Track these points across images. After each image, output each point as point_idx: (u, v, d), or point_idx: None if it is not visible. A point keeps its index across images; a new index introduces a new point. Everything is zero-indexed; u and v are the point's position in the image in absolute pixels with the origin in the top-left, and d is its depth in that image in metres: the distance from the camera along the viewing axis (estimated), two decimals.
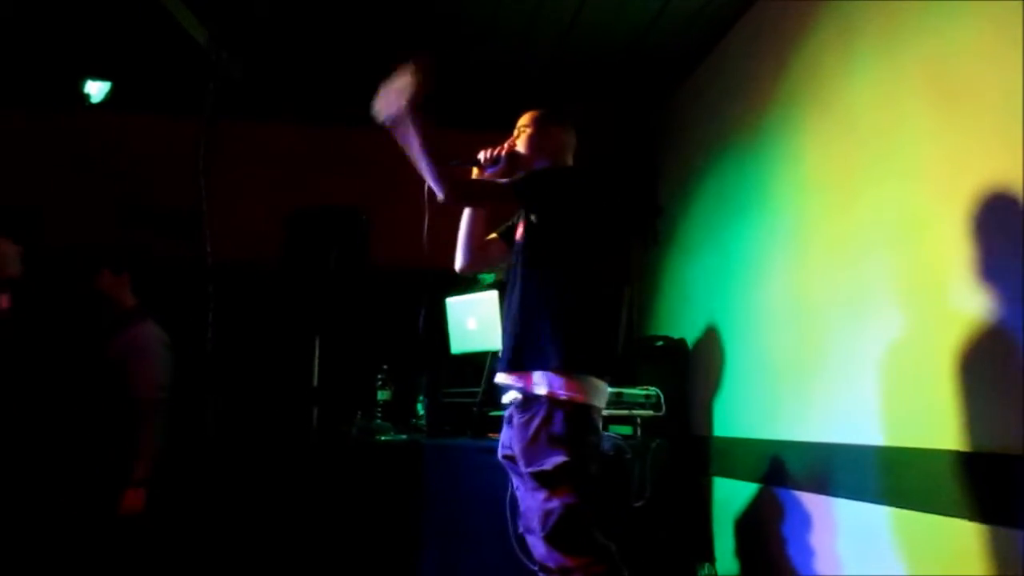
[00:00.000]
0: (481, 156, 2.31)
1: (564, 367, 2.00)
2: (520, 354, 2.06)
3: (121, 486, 2.83)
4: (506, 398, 2.17)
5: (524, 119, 2.38)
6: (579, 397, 1.99)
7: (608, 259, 2.17)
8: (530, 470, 2.00)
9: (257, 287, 4.19)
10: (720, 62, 3.86)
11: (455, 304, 3.56)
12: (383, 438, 3.42)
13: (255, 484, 3.33)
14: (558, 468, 1.95)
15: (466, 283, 3.56)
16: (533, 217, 2.14)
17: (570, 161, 2.36)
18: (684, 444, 3.89)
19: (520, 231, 2.22)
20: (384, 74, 1.96)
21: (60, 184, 4.30)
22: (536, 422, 1.99)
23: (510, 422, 2.12)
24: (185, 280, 2.91)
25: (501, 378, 2.15)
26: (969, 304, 2.13)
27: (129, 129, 4.48)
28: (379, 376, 3.65)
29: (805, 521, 2.91)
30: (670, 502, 3.59)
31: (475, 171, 2.33)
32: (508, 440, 2.13)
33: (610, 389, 3.05)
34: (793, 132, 3.13)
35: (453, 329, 3.57)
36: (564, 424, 1.97)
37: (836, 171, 2.83)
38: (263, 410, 3.89)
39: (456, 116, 4.63)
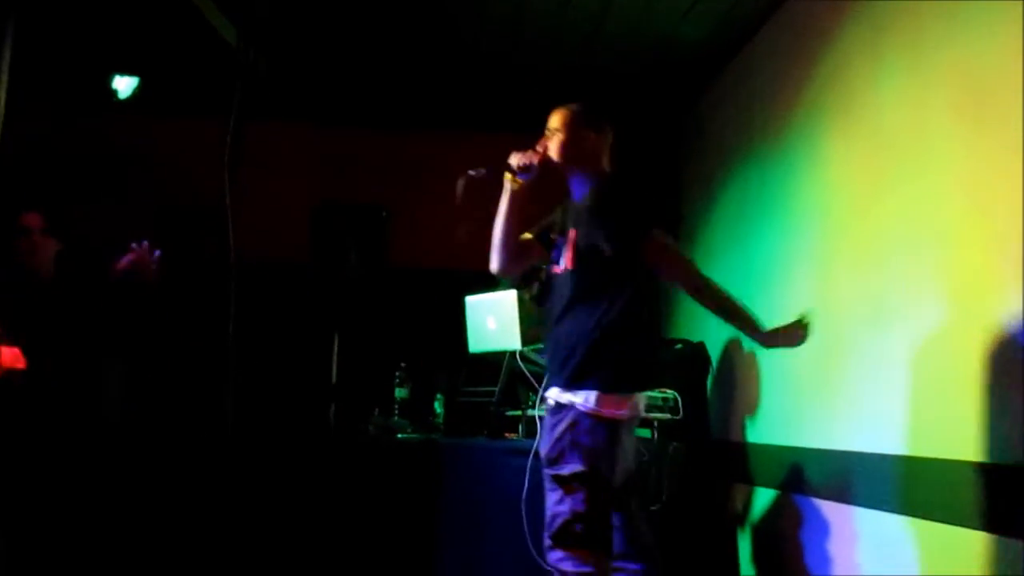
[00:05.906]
0: (513, 161, 2.25)
1: (606, 387, 2.05)
2: (565, 371, 2.10)
3: None
4: (544, 405, 2.24)
5: (554, 120, 2.29)
6: (608, 411, 2.04)
7: (651, 278, 2.22)
8: (548, 471, 2.07)
9: (278, 284, 4.23)
10: (745, 67, 3.83)
11: (474, 303, 3.56)
12: (400, 436, 3.43)
13: (273, 481, 3.36)
14: (574, 474, 2.01)
15: (486, 282, 3.56)
16: (606, 249, 2.09)
17: (606, 164, 2.30)
18: (703, 449, 3.86)
19: (571, 254, 2.17)
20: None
21: (89, 185, 4.36)
22: (562, 426, 2.06)
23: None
24: (208, 277, 2.95)
25: (550, 392, 2.19)
26: (995, 311, 2.09)
27: (155, 129, 4.54)
28: (397, 374, 3.66)
29: (824, 529, 2.88)
30: (687, 506, 3.57)
31: (507, 177, 2.27)
32: (540, 443, 2.20)
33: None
34: (818, 137, 3.10)
35: (472, 328, 3.57)
36: (589, 433, 2.02)
37: (861, 176, 2.80)
38: (282, 407, 3.92)
39: (479, 119, 4.65)
